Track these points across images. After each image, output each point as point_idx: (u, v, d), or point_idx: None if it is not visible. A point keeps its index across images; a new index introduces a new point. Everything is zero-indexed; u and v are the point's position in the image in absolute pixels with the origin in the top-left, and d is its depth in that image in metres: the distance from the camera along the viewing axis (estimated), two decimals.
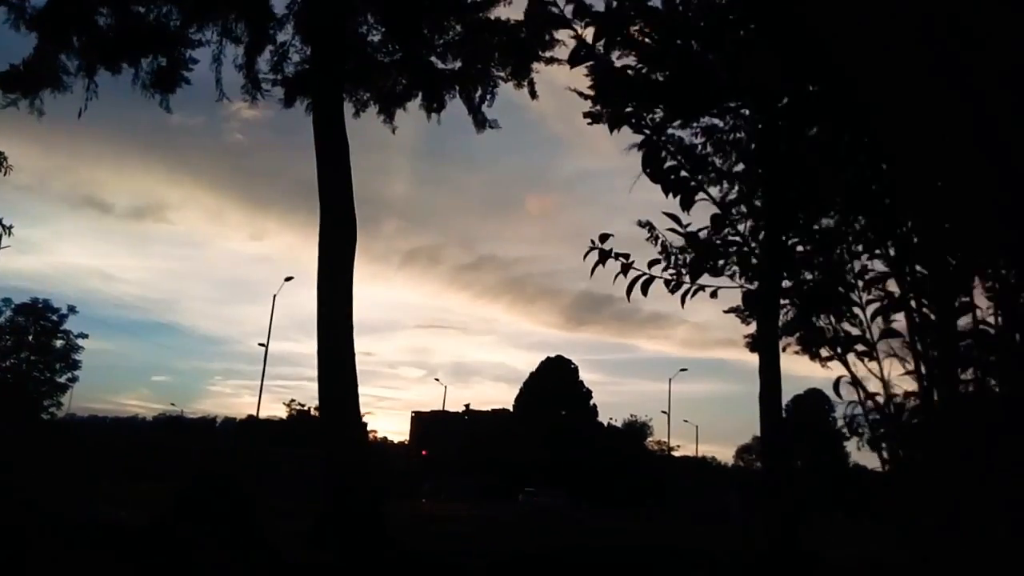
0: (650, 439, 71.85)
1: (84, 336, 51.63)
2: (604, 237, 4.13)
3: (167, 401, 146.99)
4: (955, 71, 2.77)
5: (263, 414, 55.69)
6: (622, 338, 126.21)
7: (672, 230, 3.98)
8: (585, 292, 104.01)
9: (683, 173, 4.05)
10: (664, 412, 58.20)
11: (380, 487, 14.50)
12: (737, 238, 4.12)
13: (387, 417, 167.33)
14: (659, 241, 4.07)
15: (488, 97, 16.76)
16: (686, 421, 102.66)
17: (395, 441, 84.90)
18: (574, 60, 4.04)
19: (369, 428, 71.52)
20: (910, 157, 2.96)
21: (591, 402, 68.14)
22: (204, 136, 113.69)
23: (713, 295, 4.13)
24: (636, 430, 71.37)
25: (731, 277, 4.19)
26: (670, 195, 4.03)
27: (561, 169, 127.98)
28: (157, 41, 14.21)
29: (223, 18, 14.25)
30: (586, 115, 4.60)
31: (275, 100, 15.79)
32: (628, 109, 4.18)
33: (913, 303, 3.57)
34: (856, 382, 3.76)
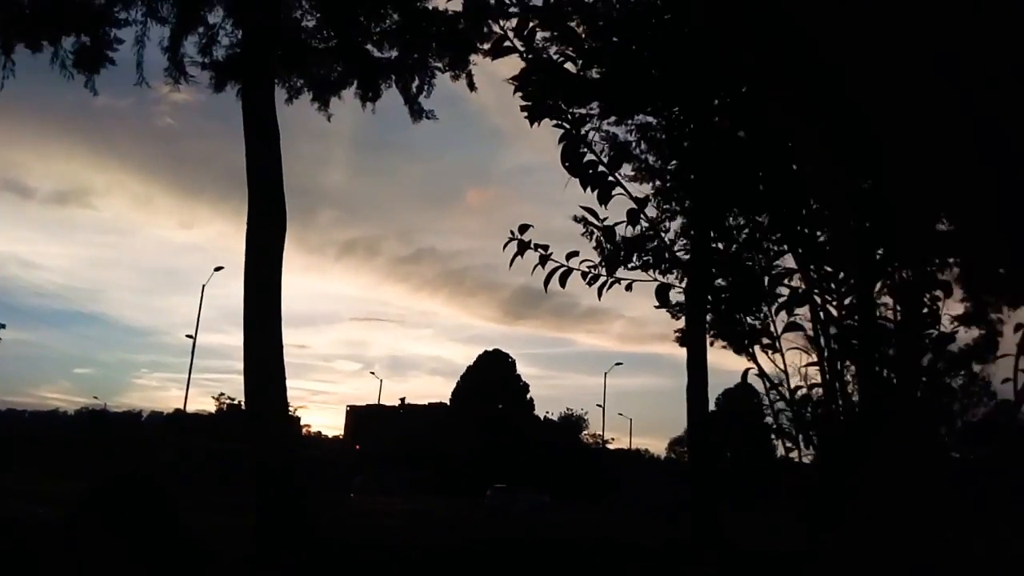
0: (585, 432, 72.84)
1: (2, 326, 49.66)
2: (523, 228, 4.18)
3: (90, 394, 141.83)
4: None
5: (191, 408, 54.45)
6: (560, 332, 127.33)
7: (588, 223, 4.05)
8: (524, 286, 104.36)
9: (600, 168, 4.10)
10: (599, 406, 59.15)
11: (304, 483, 14.26)
12: (651, 232, 4.22)
13: (321, 411, 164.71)
14: (593, 236, 4.13)
15: (425, 88, 16.68)
16: (621, 414, 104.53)
17: (329, 435, 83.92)
18: (496, 52, 4.04)
19: (303, 422, 70.60)
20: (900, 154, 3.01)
21: (528, 396, 68.64)
22: (132, 119, 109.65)
23: (628, 288, 4.23)
24: (572, 423, 72.19)
25: (647, 271, 4.29)
26: (588, 189, 4.09)
27: (502, 163, 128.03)
28: (79, 19, 13.65)
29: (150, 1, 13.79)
30: (523, 109, 4.57)
31: (202, 85, 15.37)
32: (549, 102, 4.19)
33: (817, 299, 3.73)
34: (762, 374, 3.92)
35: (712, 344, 14.81)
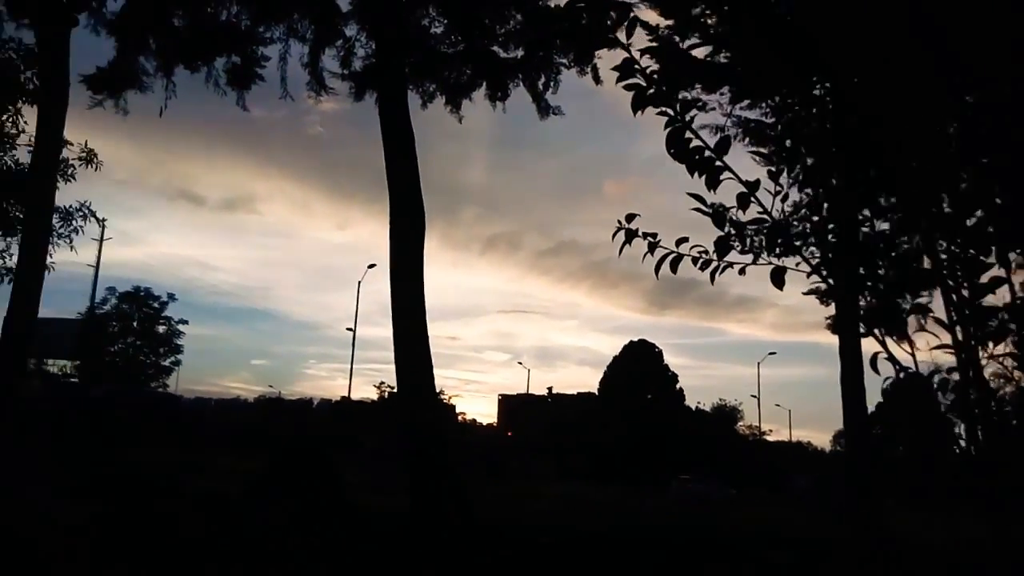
0: (741, 423, 70.56)
1: (184, 322, 54.52)
2: (630, 217, 4.19)
3: (266, 383, 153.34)
4: None
5: (356, 396, 57.63)
6: (708, 322, 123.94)
7: (697, 210, 4.00)
8: (668, 276, 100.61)
9: (707, 153, 4.04)
10: (754, 396, 57.15)
11: (457, 466, 14.75)
12: (764, 216, 4.09)
13: (475, 400, 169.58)
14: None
15: (551, 84, 16.76)
16: (778, 405, 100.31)
17: (483, 423, 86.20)
18: (599, 45, 4.09)
19: (458, 410, 72.95)
20: None
21: (677, 386, 67.35)
22: (286, 129, 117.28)
23: (741, 272, 4.15)
24: (726, 414, 70.15)
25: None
26: (695, 175, 4.05)
27: (638, 152, 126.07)
28: (229, 40, 14.79)
29: (288, 17, 14.73)
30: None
31: (344, 95, 16.26)
32: (651, 91, 4.16)
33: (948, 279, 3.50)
34: (891, 359, 3.71)
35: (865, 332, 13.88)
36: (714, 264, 4.14)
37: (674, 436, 55.13)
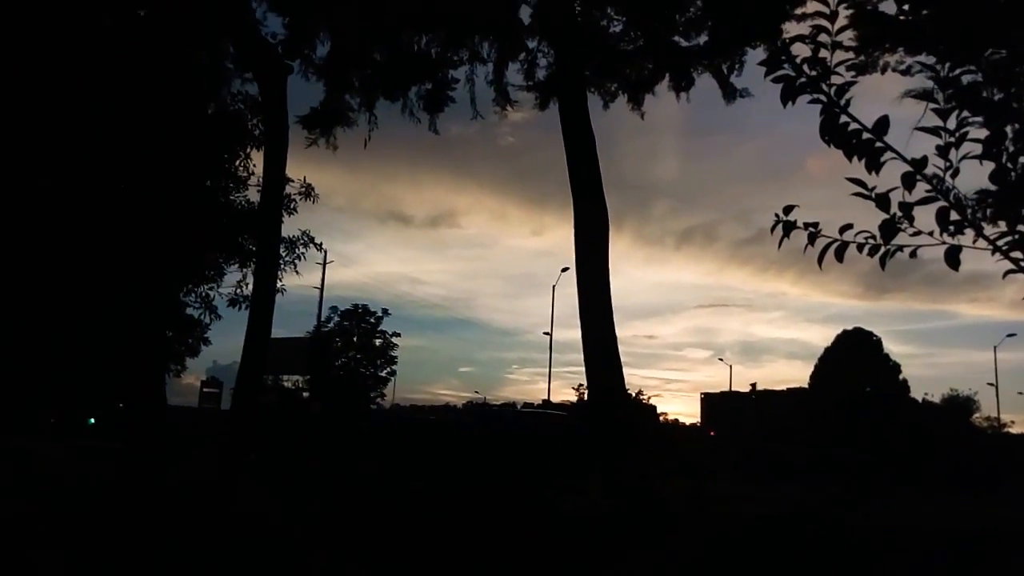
0: (977, 415, 63.77)
1: (398, 335, 58.27)
2: (788, 209, 4.22)
3: (472, 390, 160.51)
4: None
5: (556, 398, 58.69)
6: (936, 304, 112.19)
7: (858, 194, 3.96)
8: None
9: (866, 136, 4.00)
10: (991, 384, 51.53)
11: (649, 462, 14.80)
12: (934, 194, 3.95)
13: (677, 399, 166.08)
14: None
15: (737, 67, 16.39)
16: (1021, 393, 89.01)
17: (687, 423, 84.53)
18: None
19: (659, 410, 72.16)
20: None
21: (900, 376, 62.11)
22: (480, 144, 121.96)
23: (912, 255, 4.04)
24: (959, 405, 63.73)
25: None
26: (854, 159, 4.03)
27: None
28: (422, 69, 16.00)
29: (474, 39, 15.66)
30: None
31: (528, 106, 16.96)
32: (801, 80, 4.18)
33: None
34: None
35: None
36: (883, 249, 4.08)
37: (897, 430, 50.93)
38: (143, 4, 14.92)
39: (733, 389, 68.69)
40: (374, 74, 15.90)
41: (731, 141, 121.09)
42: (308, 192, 18.81)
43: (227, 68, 16.81)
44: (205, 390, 35.40)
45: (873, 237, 4.04)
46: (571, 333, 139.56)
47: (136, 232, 15.81)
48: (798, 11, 15.13)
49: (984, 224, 4.23)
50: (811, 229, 4.20)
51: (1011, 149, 3.67)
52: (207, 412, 33.53)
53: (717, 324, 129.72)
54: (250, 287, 16.95)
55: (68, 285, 16.36)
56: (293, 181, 18.11)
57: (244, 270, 19.00)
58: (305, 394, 47.59)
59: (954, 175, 3.96)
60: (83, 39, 14.06)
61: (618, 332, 14.00)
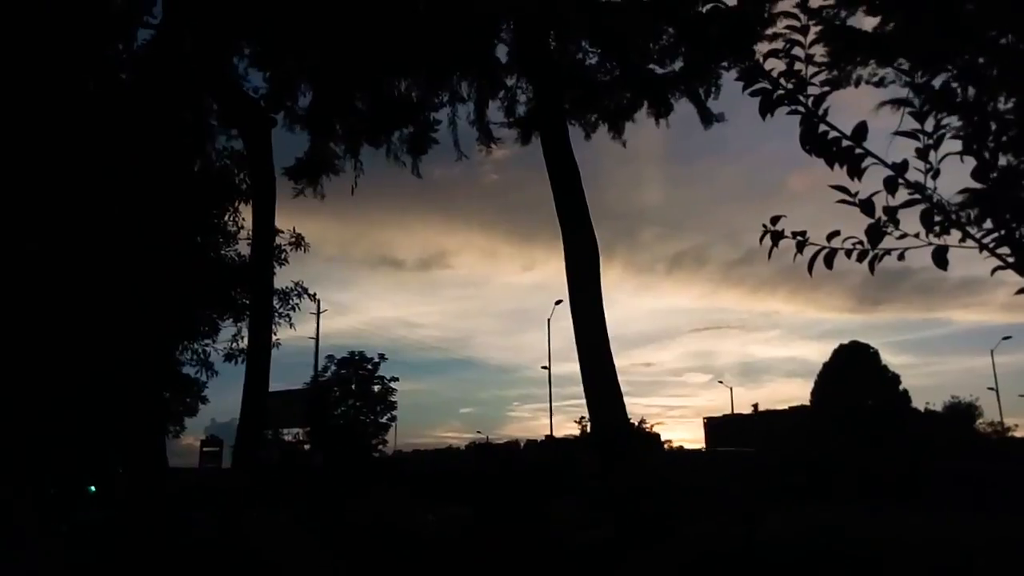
0: (980, 421, 63.53)
1: (396, 379, 57.90)
2: (775, 219, 4.29)
3: (475, 430, 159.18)
4: None
5: (558, 433, 58.26)
6: (929, 312, 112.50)
7: (842, 201, 4.01)
8: (880, 268, 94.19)
9: (845, 143, 4.07)
10: (991, 389, 51.50)
11: (656, 490, 14.63)
12: (916, 196, 4.01)
13: (680, 425, 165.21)
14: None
15: (713, 91, 16.65)
16: (1022, 396, 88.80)
17: (691, 449, 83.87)
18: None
19: (663, 438, 71.63)
20: None
21: (900, 387, 61.99)
22: (466, 183, 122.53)
23: (900, 257, 4.08)
24: (961, 412, 63.51)
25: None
26: (835, 166, 4.09)
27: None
28: (405, 113, 16.20)
29: (454, 81, 15.91)
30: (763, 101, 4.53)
31: (510, 142, 17.18)
32: (779, 92, 4.27)
33: None
34: None
35: None
36: (871, 254, 4.13)
37: (901, 442, 50.67)
38: (126, 68, 15.09)
39: (735, 412, 68.40)
40: (357, 121, 16.10)
41: (713, 164, 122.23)
42: (298, 242, 18.89)
43: (211, 125, 16.99)
44: (205, 449, 34.97)
45: (860, 243, 4.09)
46: (570, 366, 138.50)
47: (128, 293, 15.79)
48: (768, 31, 15.45)
49: (969, 225, 4.30)
50: (799, 238, 4.25)
51: (992, 145, 3.74)
52: (208, 472, 33.11)
53: (714, 347, 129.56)
54: (245, 341, 16.94)
55: (59, 351, 16.26)
56: (283, 232, 18.20)
57: (239, 324, 19.00)
58: (306, 446, 47.14)
59: (935, 176, 4.02)
60: (68, 104, 14.19)
61: (616, 361, 14.01)
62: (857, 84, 10.10)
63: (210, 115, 17.05)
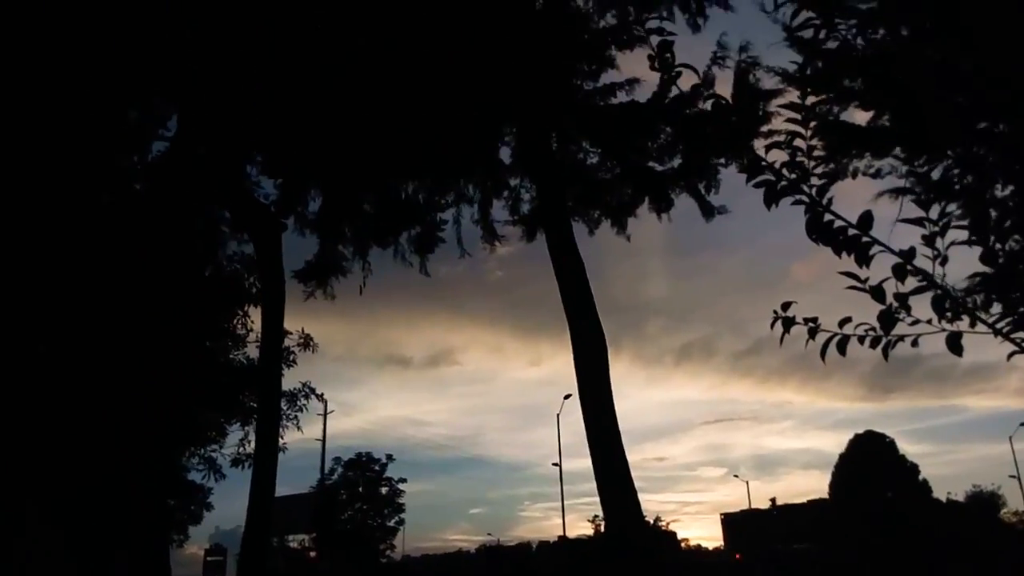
0: (1004, 510, 61.59)
1: (403, 480, 56.77)
2: (786, 305, 4.31)
3: (485, 532, 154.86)
4: None
5: (571, 533, 56.67)
6: (943, 399, 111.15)
7: (853, 287, 4.04)
8: (893, 355, 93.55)
9: (851, 231, 4.12)
10: (1013, 477, 50.20)
11: None
12: (925, 282, 4.04)
13: (697, 522, 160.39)
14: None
15: (712, 186, 17.02)
16: None
17: (710, 547, 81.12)
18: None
19: (680, 536, 69.44)
20: None
21: (920, 477, 60.48)
22: (471, 280, 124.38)
23: (914, 344, 4.08)
24: (983, 501, 61.67)
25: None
26: (843, 255, 4.14)
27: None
28: (412, 214, 16.60)
29: (458, 185, 16.40)
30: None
31: (515, 239, 17.48)
32: (782, 183, 4.35)
33: None
34: None
35: None
36: (884, 340, 4.13)
37: (924, 535, 49.01)
38: (140, 178, 15.56)
39: (753, 507, 66.52)
40: (365, 223, 16.47)
41: (716, 256, 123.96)
42: (307, 343, 18.96)
43: (222, 231, 17.37)
44: (209, 559, 34.00)
45: (873, 329, 4.09)
46: (582, 461, 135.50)
47: (136, 399, 15.73)
48: (764, 128, 15.93)
49: (979, 310, 4.32)
50: (811, 324, 4.26)
51: (997, 230, 3.80)
52: None
53: (727, 439, 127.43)
54: (252, 445, 16.75)
55: (64, 456, 16.07)
56: (291, 334, 18.30)
57: (246, 428, 18.84)
58: (312, 553, 45.76)
59: (943, 263, 4.06)
60: (81, 215, 14.56)
61: (628, 456, 13.77)
62: (854, 176, 10.35)
63: (222, 222, 17.46)
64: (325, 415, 46.77)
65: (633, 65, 16.73)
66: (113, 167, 14.94)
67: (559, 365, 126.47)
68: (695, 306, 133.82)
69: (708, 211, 16.68)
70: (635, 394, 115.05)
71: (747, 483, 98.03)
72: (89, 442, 15.79)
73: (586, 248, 15.46)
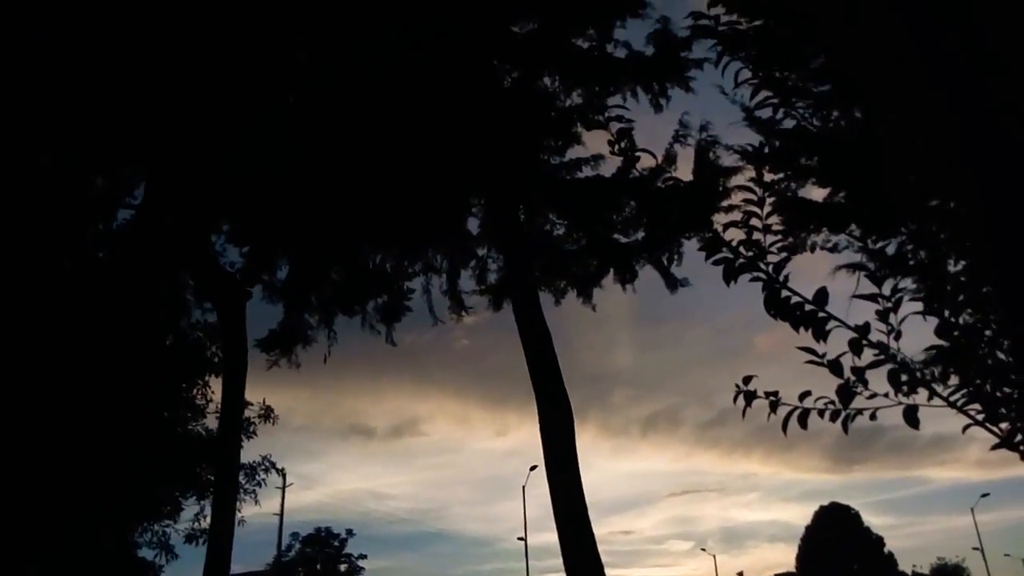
0: None
1: (363, 557, 55.10)
2: (747, 379, 4.39)
3: None
4: None
5: None
6: (905, 471, 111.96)
7: (811, 362, 4.13)
8: (853, 428, 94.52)
9: (808, 307, 4.23)
10: (976, 549, 50.32)
11: None
12: (881, 356, 4.14)
13: None
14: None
15: (676, 258, 17.36)
16: (1007, 555, 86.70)
17: None
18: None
19: None
20: None
21: (885, 549, 60.36)
22: (437, 349, 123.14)
23: (872, 417, 4.17)
24: (948, 574, 61.63)
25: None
26: (800, 330, 4.23)
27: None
28: (379, 284, 16.62)
29: (425, 255, 16.53)
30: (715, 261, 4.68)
31: (482, 309, 17.55)
32: (740, 261, 4.46)
33: None
34: None
35: None
36: (843, 413, 4.21)
37: None
38: (104, 246, 15.42)
39: None
40: (332, 292, 16.44)
41: (681, 326, 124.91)
42: (267, 414, 18.63)
43: (187, 299, 17.19)
44: None
45: (832, 403, 4.18)
46: (548, 536, 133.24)
47: (87, 472, 15.21)
48: (724, 203, 16.39)
49: (935, 383, 4.43)
50: (772, 398, 4.34)
51: (952, 305, 3.93)
52: None
53: (693, 511, 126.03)
54: (208, 520, 16.22)
55: (9, 534, 15.37)
56: (252, 404, 17.96)
57: (202, 502, 18.26)
58: None
59: (897, 338, 4.18)
60: (40, 282, 14.32)
61: (595, 530, 13.55)
62: (812, 250, 10.66)
63: (185, 290, 17.29)
64: (283, 488, 45.45)
65: (598, 141, 17.25)
66: (77, 234, 14.81)
67: (525, 434, 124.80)
68: (661, 376, 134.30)
69: (672, 283, 16.96)
70: (601, 465, 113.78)
71: (714, 557, 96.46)
72: (34, 517, 15.15)
73: (552, 318, 15.56)
